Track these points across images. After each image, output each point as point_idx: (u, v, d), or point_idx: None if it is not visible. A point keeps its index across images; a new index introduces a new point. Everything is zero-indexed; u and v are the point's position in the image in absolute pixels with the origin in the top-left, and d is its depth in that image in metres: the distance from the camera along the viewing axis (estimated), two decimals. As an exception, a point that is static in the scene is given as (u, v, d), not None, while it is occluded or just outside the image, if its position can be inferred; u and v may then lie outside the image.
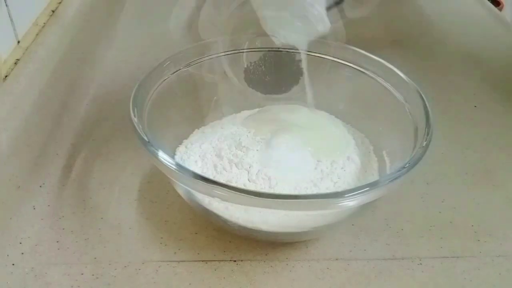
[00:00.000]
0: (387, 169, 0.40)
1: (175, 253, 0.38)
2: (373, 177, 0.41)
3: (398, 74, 0.42)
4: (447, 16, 0.74)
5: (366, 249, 0.39)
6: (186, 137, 0.44)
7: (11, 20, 0.45)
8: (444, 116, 0.53)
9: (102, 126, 0.50)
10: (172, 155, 0.42)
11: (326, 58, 0.43)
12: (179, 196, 0.39)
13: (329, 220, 0.37)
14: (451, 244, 0.40)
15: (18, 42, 0.47)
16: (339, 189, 0.38)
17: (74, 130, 0.49)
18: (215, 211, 0.36)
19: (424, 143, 0.36)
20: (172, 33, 0.38)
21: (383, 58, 0.44)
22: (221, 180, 0.38)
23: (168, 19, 0.41)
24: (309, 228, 0.37)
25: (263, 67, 0.42)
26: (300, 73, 0.42)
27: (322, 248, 0.39)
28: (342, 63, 0.45)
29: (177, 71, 0.43)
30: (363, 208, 0.37)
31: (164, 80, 0.42)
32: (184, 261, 0.38)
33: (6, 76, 0.43)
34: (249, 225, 0.36)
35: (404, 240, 0.40)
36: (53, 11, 0.54)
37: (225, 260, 0.38)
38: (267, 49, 0.43)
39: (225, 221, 0.37)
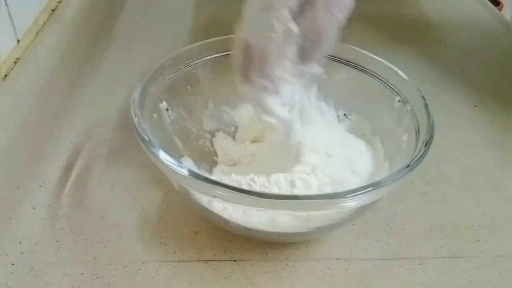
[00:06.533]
0: (388, 170, 0.40)
1: (175, 253, 0.38)
2: (374, 177, 0.41)
3: (398, 74, 0.42)
4: (447, 16, 0.74)
5: (366, 249, 0.39)
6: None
7: (11, 19, 0.45)
8: (444, 116, 0.53)
9: (102, 126, 0.50)
10: (172, 155, 0.42)
11: (326, 58, 0.43)
12: (179, 196, 0.39)
13: (330, 220, 0.36)
14: (451, 244, 0.40)
15: (18, 41, 0.47)
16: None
17: (74, 130, 0.49)
18: (215, 211, 0.36)
19: (425, 143, 0.36)
20: None
21: (383, 58, 0.44)
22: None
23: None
24: (310, 228, 0.37)
25: None
26: None
27: (322, 248, 0.39)
28: (342, 63, 0.45)
29: (177, 70, 0.43)
30: (364, 208, 0.37)
31: (164, 80, 0.42)
32: (184, 261, 0.38)
33: (6, 75, 0.43)
34: (249, 225, 0.36)
35: (404, 240, 0.40)
36: (52, 10, 0.54)
37: (225, 260, 0.38)
38: None
39: (225, 221, 0.37)
